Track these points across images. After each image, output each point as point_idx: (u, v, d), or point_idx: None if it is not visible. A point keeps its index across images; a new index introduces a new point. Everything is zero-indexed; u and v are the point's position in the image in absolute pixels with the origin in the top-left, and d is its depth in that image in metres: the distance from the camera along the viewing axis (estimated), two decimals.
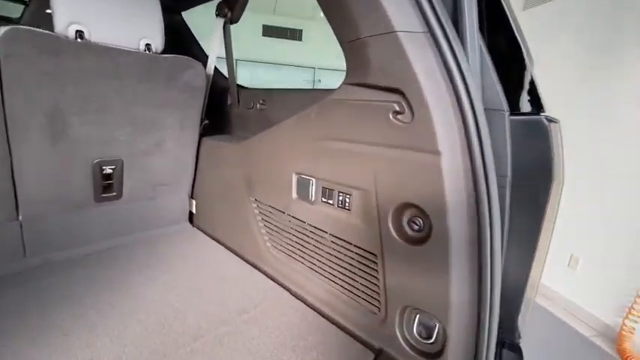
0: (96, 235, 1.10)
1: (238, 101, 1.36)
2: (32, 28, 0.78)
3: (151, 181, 1.19)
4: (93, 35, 0.87)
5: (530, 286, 0.64)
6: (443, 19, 0.55)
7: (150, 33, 0.98)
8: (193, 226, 1.38)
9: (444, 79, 0.56)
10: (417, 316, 0.68)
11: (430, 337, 0.66)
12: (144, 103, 1.04)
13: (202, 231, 1.33)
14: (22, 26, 0.76)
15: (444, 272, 0.60)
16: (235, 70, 1.35)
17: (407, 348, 0.69)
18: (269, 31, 6.60)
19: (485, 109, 0.58)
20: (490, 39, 0.63)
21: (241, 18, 1.27)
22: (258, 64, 6.72)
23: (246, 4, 1.23)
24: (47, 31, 0.81)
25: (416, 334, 0.68)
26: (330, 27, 0.68)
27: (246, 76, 6.70)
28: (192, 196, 1.37)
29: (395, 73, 0.59)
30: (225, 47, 1.30)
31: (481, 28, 0.62)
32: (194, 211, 1.38)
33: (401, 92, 0.60)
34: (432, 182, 0.58)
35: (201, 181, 1.33)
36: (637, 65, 1.79)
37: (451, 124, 0.56)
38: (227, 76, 1.37)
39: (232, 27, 1.30)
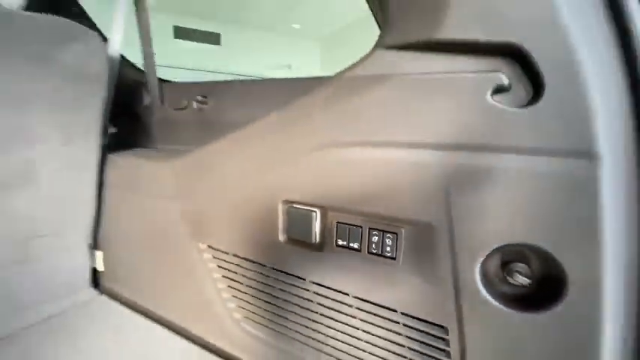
0: None
1: (162, 100, 0.95)
2: None
3: (17, 234, 0.71)
4: None
5: None
6: None
7: None
8: (100, 291, 0.90)
9: (609, 28, 0.31)
10: None
11: None
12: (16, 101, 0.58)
13: (116, 298, 0.87)
14: None
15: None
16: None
17: None
18: (182, 33, 5.92)
19: None
20: None
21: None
22: (169, 69, 5.96)
23: None
24: None
25: None
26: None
27: None
28: (95, 247, 0.89)
29: (504, 18, 0.33)
30: (139, 25, 0.88)
31: None
32: (100, 267, 0.90)
33: (514, 51, 0.33)
34: (577, 210, 0.33)
35: (109, 221, 0.87)
36: None
37: (620, 109, 0.31)
38: (141, 66, 0.94)
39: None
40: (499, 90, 0.35)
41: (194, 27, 5.98)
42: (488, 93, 0.35)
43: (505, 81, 0.35)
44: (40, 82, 0.64)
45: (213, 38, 6.21)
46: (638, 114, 0.32)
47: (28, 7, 0.61)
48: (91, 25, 0.99)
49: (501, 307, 0.39)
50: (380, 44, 0.42)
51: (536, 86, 0.33)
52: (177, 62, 5.86)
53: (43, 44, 0.62)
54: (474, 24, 0.34)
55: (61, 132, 0.71)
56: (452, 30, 0.36)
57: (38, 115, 0.67)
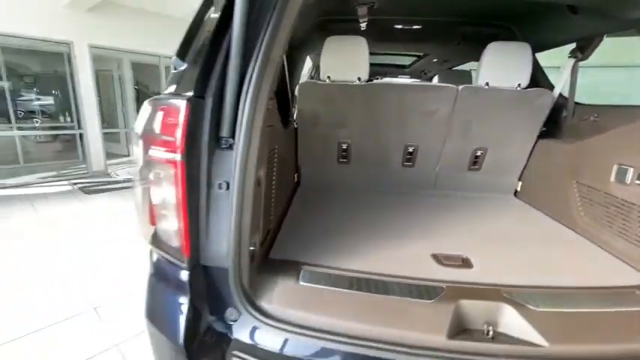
0: (469, 188, 2.07)
1: (573, 114, 1.84)
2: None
3: (501, 163, 2.00)
4: (480, 80, 1.75)
5: None
6: None
7: (522, 77, 1.73)
8: (516, 198, 2.05)
9: None
10: None
11: None
12: (510, 116, 1.83)
13: (524, 202, 1.97)
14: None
15: None
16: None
17: None
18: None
19: None
20: None
21: None
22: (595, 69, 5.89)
23: (596, 47, 1.68)
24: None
25: None
26: None
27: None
28: (519, 179, 2.04)
29: None
30: (571, 83, 1.81)
31: None
32: (519, 189, 2.05)
33: None
34: None
35: (528, 167, 1.97)
36: None
37: None
38: (566, 95, 1.88)
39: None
40: None
41: None
42: None
43: None
44: (526, 111, 1.81)
45: None
46: None
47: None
48: (545, 78, 2.09)
49: None
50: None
51: None
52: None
53: (530, 99, 1.76)
54: None
55: (527, 130, 1.87)
56: None
57: (521, 123, 1.86)
